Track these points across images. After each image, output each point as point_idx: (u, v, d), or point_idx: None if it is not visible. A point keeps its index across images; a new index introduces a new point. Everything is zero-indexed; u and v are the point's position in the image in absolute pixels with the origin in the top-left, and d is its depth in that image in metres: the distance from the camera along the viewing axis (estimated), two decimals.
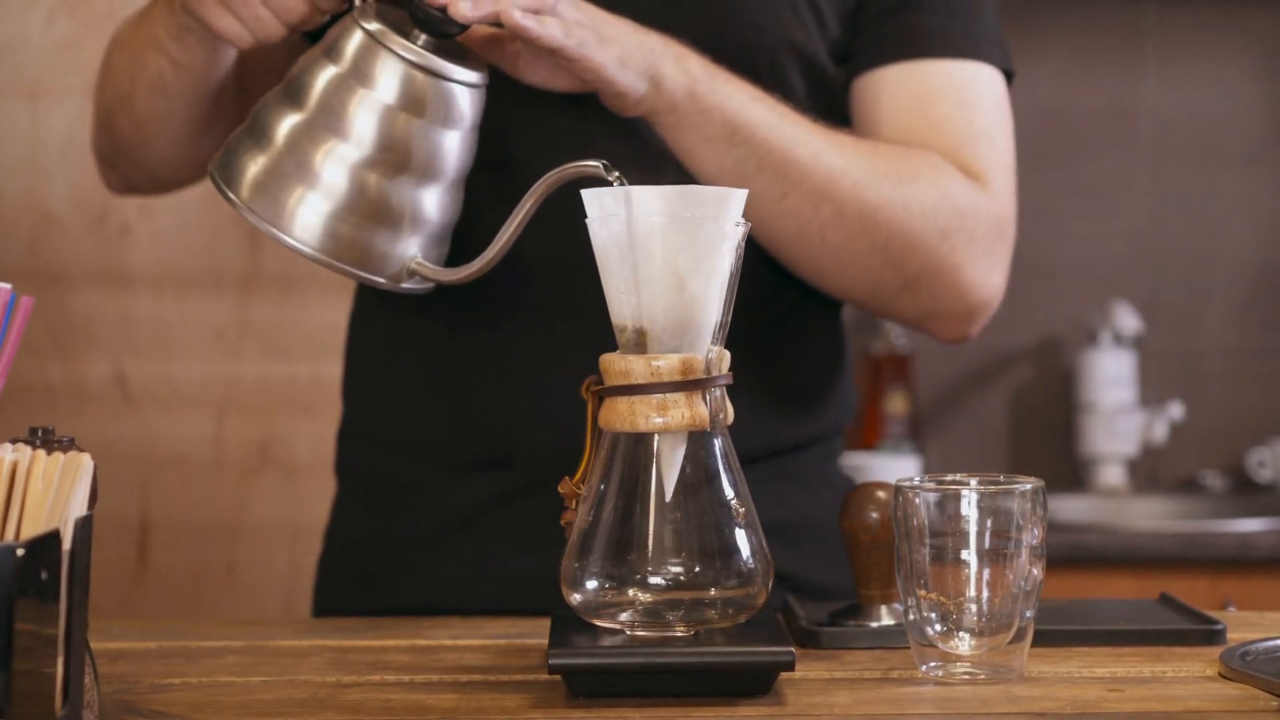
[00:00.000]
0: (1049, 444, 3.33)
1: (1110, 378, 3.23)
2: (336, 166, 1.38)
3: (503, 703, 1.18)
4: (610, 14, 1.47)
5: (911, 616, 1.23)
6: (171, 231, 2.65)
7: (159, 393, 2.65)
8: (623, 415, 1.18)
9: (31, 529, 0.97)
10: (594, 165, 1.27)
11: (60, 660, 0.98)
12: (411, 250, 1.40)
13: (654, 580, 1.18)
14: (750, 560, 1.19)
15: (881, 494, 1.36)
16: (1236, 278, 3.34)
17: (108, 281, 2.65)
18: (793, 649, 1.16)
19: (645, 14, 1.54)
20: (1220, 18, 3.32)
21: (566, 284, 1.54)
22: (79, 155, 2.64)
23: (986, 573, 1.21)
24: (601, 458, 1.20)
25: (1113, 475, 3.23)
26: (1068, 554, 2.72)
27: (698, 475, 1.19)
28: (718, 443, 1.20)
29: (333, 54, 1.40)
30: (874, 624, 1.35)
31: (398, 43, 1.39)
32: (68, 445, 1.08)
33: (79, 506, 0.99)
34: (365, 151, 1.38)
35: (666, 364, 1.17)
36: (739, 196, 1.19)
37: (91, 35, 2.65)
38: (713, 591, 1.18)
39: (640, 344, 1.19)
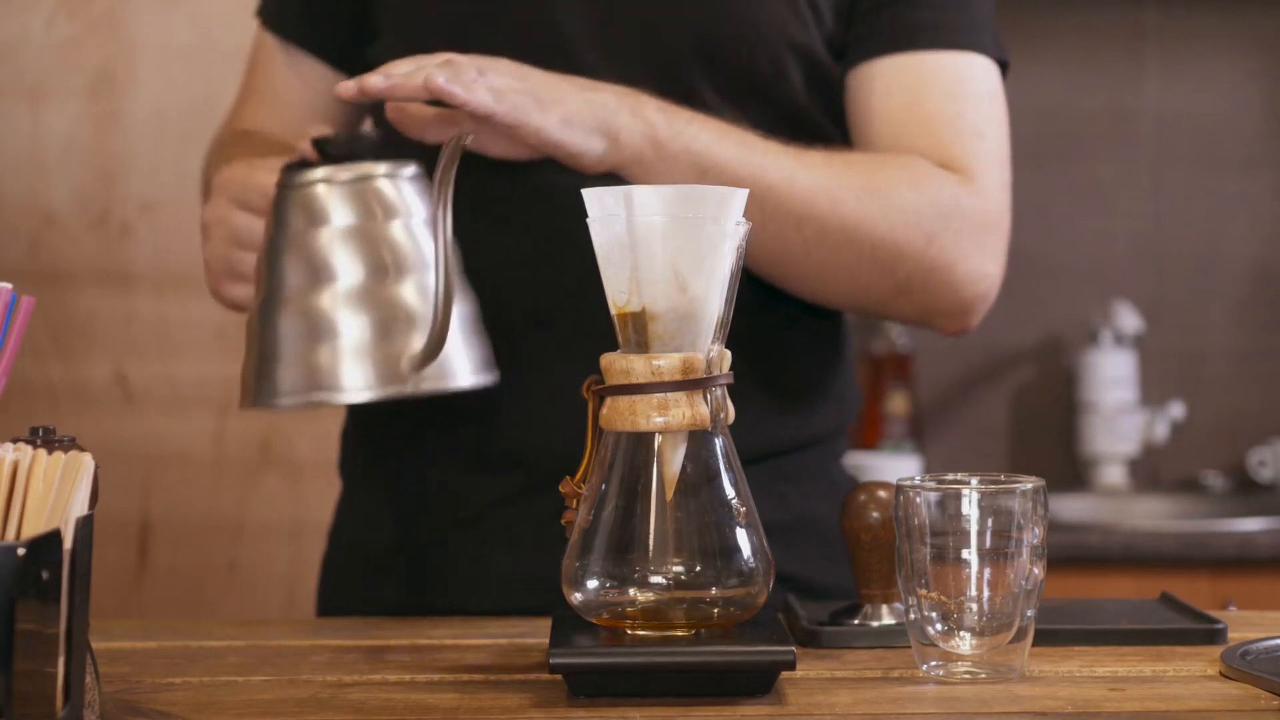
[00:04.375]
0: (1050, 443, 3.32)
1: (1111, 377, 3.23)
2: (334, 307, 1.33)
3: (504, 702, 1.18)
4: (555, 75, 1.46)
5: (912, 616, 1.23)
6: (172, 231, 2.65)
7: (160, 392, 2.65)
8: (623, 415, 1.18)
9: (32, 529, 0.97)
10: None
11: (61, 660, 0.98)
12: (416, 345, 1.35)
13: (655, 580, 1.18)
14: (751, 560, 1.19)
15: (882, 493, 1.36)
16: (1237, 278, 3.34)
17: (108, 281, 2.65)
18: (793, 648, 1.16)
19: (646, 12, 1.54)
20: (1221, 19, 3.32)
21: (571, 284, 1.54)
22: (79, 155, 2.65)
23: (987, 572, 1.21)
24: (602, 457, 1.20)
25: (1114, 475, 3.23)
26: (1069, 554, 2.72)
27: (698, 475, 1.19)
28: (719, 442, 1.20)
29: (270, 228, 1.37)
30: (875, 623, 1.35)
31: (308, 176, 1.36)
32: (69, 445, 1.08)
33: (80, 506, 0.99)
34: (355, 278, 1.34)
35: (667, 363, 1.17)
36: (740, 196, 1.19)
37: (91, 35, 2.66)
38: (713, 591, 1.18)
39: (641, 343, 1.19)
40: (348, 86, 1.41)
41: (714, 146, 1.47)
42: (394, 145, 1.43)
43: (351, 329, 1.32)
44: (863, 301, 1.59)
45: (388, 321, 1.32)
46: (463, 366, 1.35)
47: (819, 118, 1.61)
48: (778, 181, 1.49)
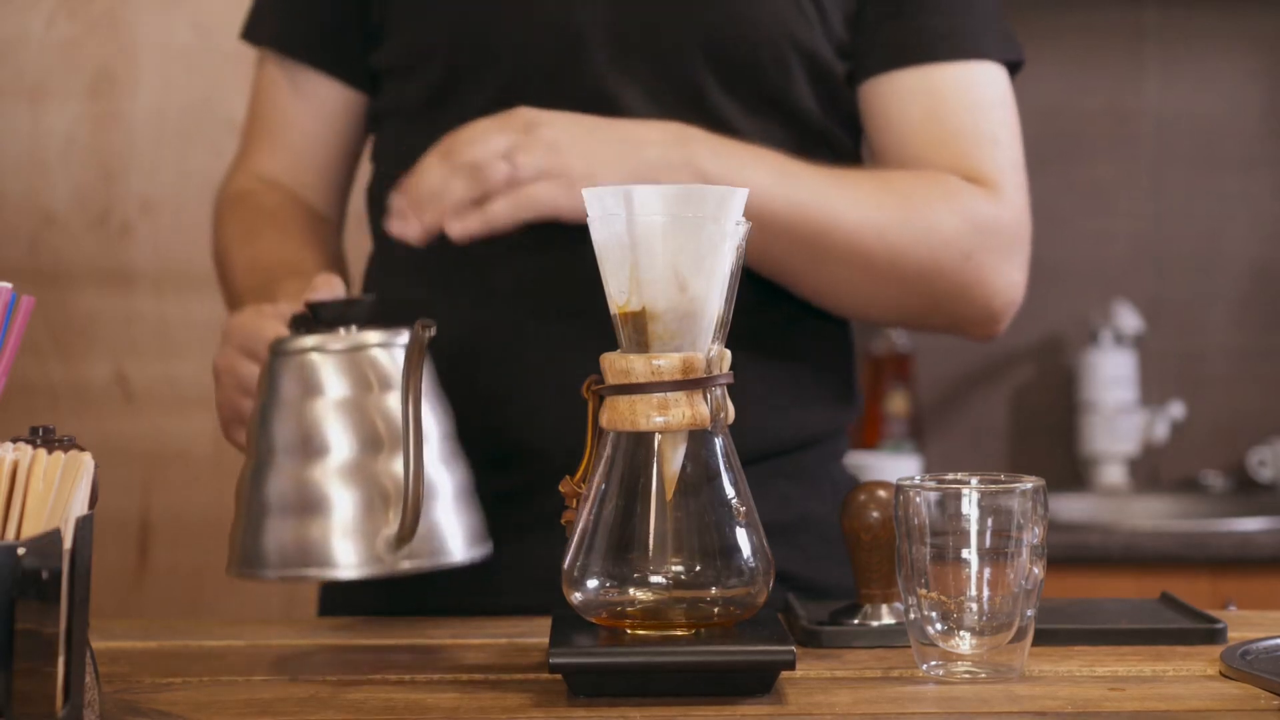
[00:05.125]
0: (1050, 443, 3.32)
1: (1111, 377, 3.23)
2: (326, 480, 1.30)
3: (504, 702, 1.18)
4: (599, 129, 1.47)
5: (912, 616, 1.23)
6: (172, 231, 2.65)
7: (160, 392, 2.65)
8: (623, 414, 1.18)
9: (32, 528, 0.97)
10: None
11: (61, 660, 0.98)
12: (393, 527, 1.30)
13: (655, 579, 1.18)
14: (751, 559, 1.18)
15: (882, 493, 1.36)
16: (1237, 278, 3.34)
17: (109, 281, 2.65)
18: (793, 648, 1.16)
19: (652, 11, 1.55)
20: (1221, 19, 3.32)
21: (574, 284, 1.54)
22: (79, 155, 2.65)
23: (987, 572, 1.21)
24: (602, 457, 1.20)
25: (1114, 475, 3.23)
26: (1068, 553, 2.72)
27: (698, 474, 1.19)
28: (718, 442, 1.20)
29: (260, 395, 1.35)
30: (875, 623, 1.35)
31: (301, 344, 1.33)
32: (68, 444, 1.08)
33: (80, 506, 0.99)
34: (347, 452, 1.30)
35: (667, 363, 1.17)
36: (740, 196, 1.19)
37: (91, 35, 2.66)
38: (713, 591, 1.18)
39: (641, 343, 1.19)
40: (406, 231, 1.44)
41: (766, 194, 1.48)
42: (388, 311, 1.42)
43: (343, 504, 1.29)
44: (896, 319, 1.66)
45: (380, 497, 1.29)
46: (454, 542, 1.31)
47: (822, 117, 1.61)
48: (829, 223, 1.51)
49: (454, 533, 1.31)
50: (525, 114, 1.47)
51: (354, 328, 1.33)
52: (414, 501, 1.24)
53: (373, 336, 1.33)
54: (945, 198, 1.56)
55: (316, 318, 1.34)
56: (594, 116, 1.49)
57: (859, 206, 1.52)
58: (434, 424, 1.32)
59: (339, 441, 1.29)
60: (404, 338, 1.32)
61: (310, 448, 1.30)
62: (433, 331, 1.25)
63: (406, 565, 1.28)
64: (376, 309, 1.37)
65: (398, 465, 1.29)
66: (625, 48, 1.56)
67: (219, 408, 1.47)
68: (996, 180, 1.58)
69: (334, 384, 1.30)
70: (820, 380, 1.66)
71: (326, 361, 1.31)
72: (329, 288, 1.40)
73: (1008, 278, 1.59)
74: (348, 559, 1.28)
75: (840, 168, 1.56)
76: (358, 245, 1.76)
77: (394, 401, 1.31)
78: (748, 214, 1.18)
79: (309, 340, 1.32)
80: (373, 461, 1.29)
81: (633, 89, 1.56)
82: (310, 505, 1.29)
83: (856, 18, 1.61)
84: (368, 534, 1.28)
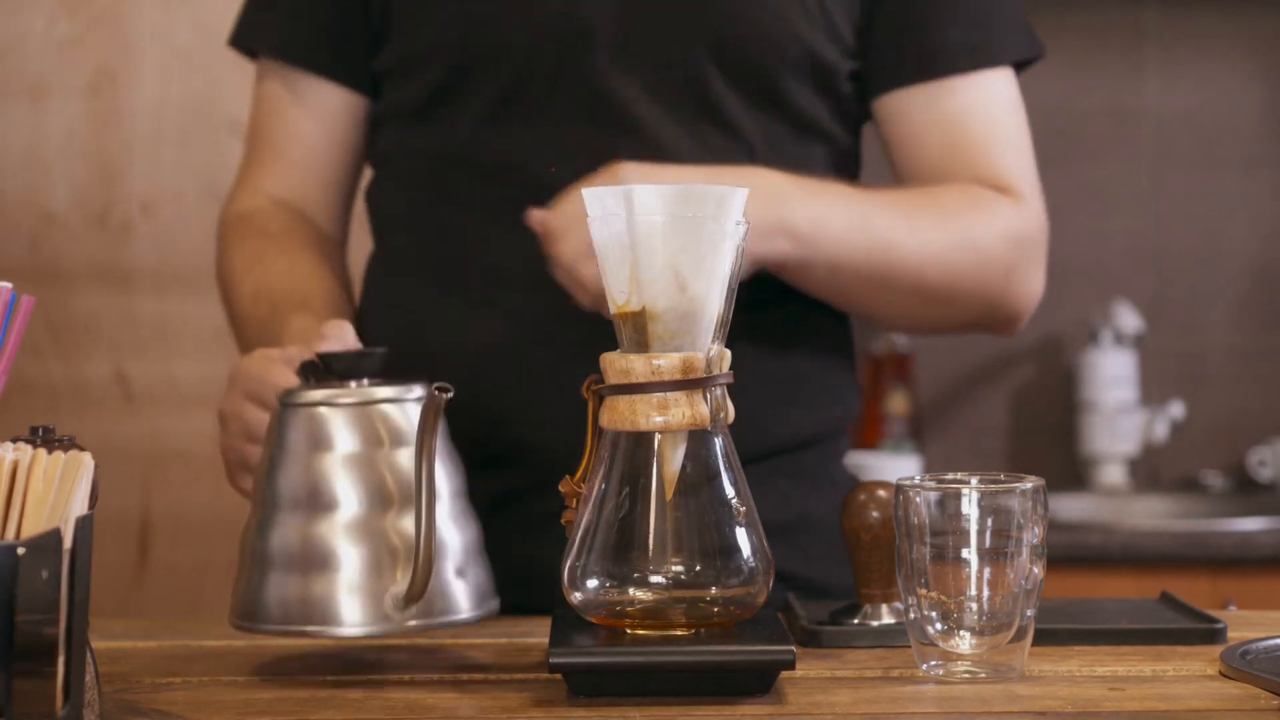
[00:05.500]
0: (1049, 443, 3.32)
1: (1111, 377, 3.23)
2: (332, 536, 1.27)
3: (503, 702, 1.18)
4: (687, 175, 1.49)
5: (912, 615, 1.23)
6: (172, 230, 2.65)
7: (160, 392, 2.65)
8: (623, 414, 1.18)
9: (32, 528, 0.97)
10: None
11: (61, 660, 0.98)
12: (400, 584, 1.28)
13: (654, 579, 1.18)
14: (751, 559, 1.19)
15: (882, 493, 1.36)
16: (1237, 277, 3.34)
17: (109, 280, 2.65)
18: (793, 648, 1.16)
19: (660, 8, 1.54)
20: (1221, 19, 3.32)
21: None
22: (79, 155, 2.65)
23: (987, 572, 1.21)
24: (602, 457, 1.20)
25: (1113, 474, 3.23)
26: (1068, 553, 2.72)
27: (698, 474, 1.19)
28: (718, 441, 1.20)
29: (268, 446, 1.32)
30: (875, 623, 1.35)
31: (310, 397, 1.30)
32: (68, 444, 1.08)
33: (80, 505, 0.99)
34: (355, 508, 1.27)
35: (667, 363, 1.17)
36: (740, 195, 1.19)
37: (92, 35, 2.66)
38: (713, 590, 1.18)
39: (641, 343, 1.19)
40: None
41: (848, 242, 1.53)
42: (400, 364, 1.40)
43: (350, 562, 1.26)
44: (935, 329, 1.73)
45: (389, 554, 1.26)
46: (462, 600, 1.29)
47: (823, 115, 1.62)
48: (899, 259, 1.56)
49: (462, 591, 1.28)
50: (622, 171, 1.46)
51: (365, 381, 1.31)
52: (425, 563, 1.23)
53: (384, 391, 1.30)
54: (988, 218, 1.61)
55: (327, 369, 1.32)
56: (676, 167, 1.50)
57: (921, 237, 1.57)
58: (445, 481, 1.30)
59: (347, 497, 1.27)
60: (415, 393, 1.30)
61: (318, 502, 1.27)
62: (450, 395, 1.24)
63: (413, 624, 1.25)
64: (388, 361, 1.34)
65: (406, 522, 1.26)
66: (629, 46, 1.56)
67: (224, 452, 1.45)
68: (1019, 188, 1.63)
69: (344, 438, 1.28)
70: (823, 378, 1.66)
71: (337, 415, 1.28)
72: (339, 336, 1.37)
73: (1037, 283, 1.66)
74: (353, 617, 1.25)
75: (895, 192, 1.61)
76: (359, 246, 1.75)
77: (404, 457, 1.28)
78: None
79: (319, 393, 1.30)
80: (381, 518, 1.27)
81: (634, 87, 1.56)
82: (316, 561, 1.26)
83: (867, 27, 1.61)
84: (374, 592, 1.25)
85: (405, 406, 1.29)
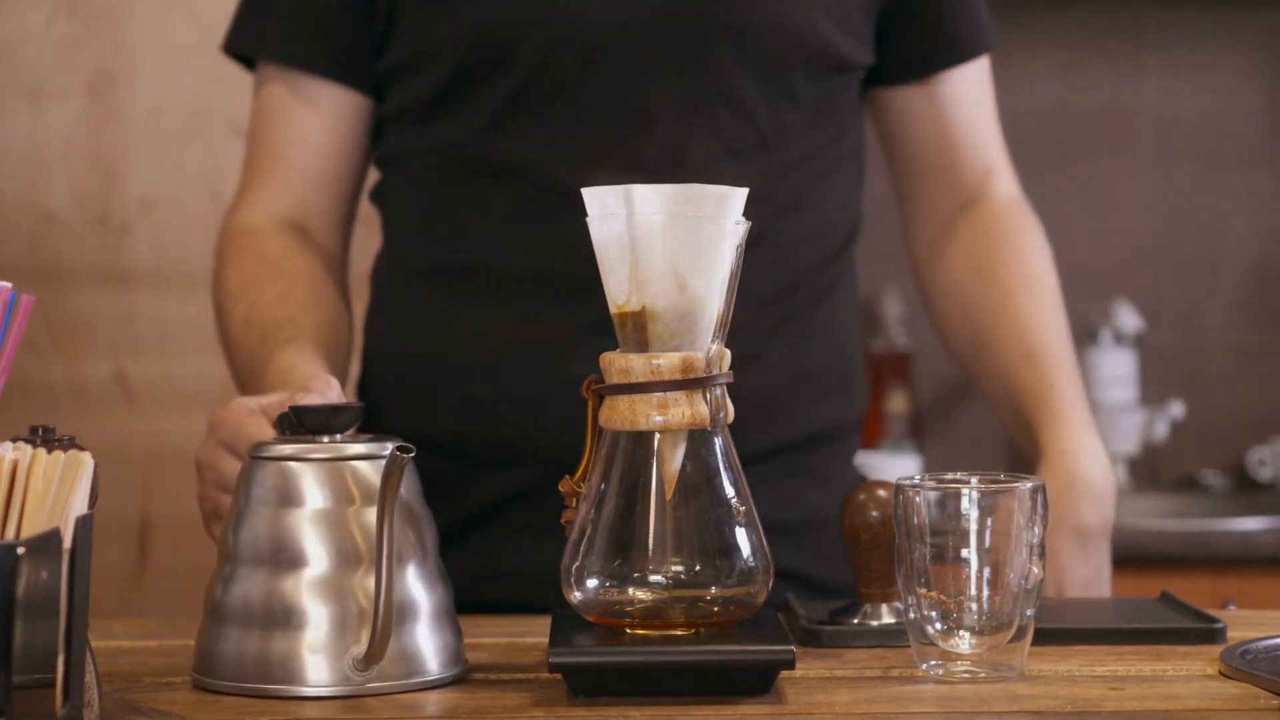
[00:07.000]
0: None
1: (1111, 376, 3.23)
2: (297, 594, 1.23)
3: (503, 701, 1.18)
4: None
5: (912, 615, 1.23)
6: (172, 230, 2.65)
7: (160, 391, 2.65)
8: (623, 414, 1.18)
9: (32, 528, 0.97)
10: None
11: (61, 659, 0.98)
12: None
13: (654, 579, 1.18)
14: (750, 559, 1.18)
15: (882, 492, 1.36)
16: (1237, 277, 3.34)
17: (108, 280, 2.65)
18: (793, 647, 1.16)
19: (679, 4, 1.54)
20: (1221, 18, 3.32)
21: (580, 284, 1.53)
22: (79, 155, 2.65)
23: (987, 571, 1.21)
24: (602, 456, 1.20)
25: (1113, 474, 3.22)
26: None
27: (698, 474, 1.19)
28: (718, 441, 1.20)
29: (236, 499, 1.28)
30: (874, 623, 1.35)
31: (280, 451, 1.26)
32: (68, 444, 1.08)
33: (80, 505, 0.99)
34: (322, 566, 1.23)
35: (667, 362, 1.17)
36: (739, 195, 1.19)
37: (92, 35, 2.66)
38: (713, 590, 1.18)
39: (640, 343, 1.19)
40: None
41: (1077, 385, 1.71)
42: (375, 420, 1.35)
43: (316, 620, 1.22)
44: None
45: (355, 614, 1.22)
46: (429, 663, 1.24)
47: (840, 110, 1.64)
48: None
49: (429, 654, 1.24)
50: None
51: (338, 436, 1.27)
52: (384, 624, 1.20)
53: (356, 447, 1.26)
54: (1038, 244, 1.82)
55: (300, 423, 1.28)
56: None
57: (1063, 327, 1.76)
58: (414, 542, 1.26)
59: (315, 554, 1.23)
60: (389, 449, 1.25)
61: (282, 558, 1.23)
62: (411, 455, 1.21)
63: (375, 686, 1.22)
64: (362, 418, 1.30)
65: (373, 582, 1.22)
66: (647, 40, 1.55)
67: (199, 501, 1.41)
68: (999, 160, 1.75)
69: (312, 494, 1.24)
70: (830, 376, 1.66)
71: (306, 470, 1.25)
72: (321, 389, 1.36)
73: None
74: (316, 676, 1.21)
75: (1040, 296, 1.78)
76: (365, 245, 1.75)
77: (374, 515, 1.24)
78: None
79: (289, 447, 1.26)
80: (347, 577, 1.23)
81: (652, 83, 1.55)
82: (277, 618, 1.23)
83: (883, 22, 1.66)
84: (336, 652, 1.22)
85: (377, 463, 1.25)
